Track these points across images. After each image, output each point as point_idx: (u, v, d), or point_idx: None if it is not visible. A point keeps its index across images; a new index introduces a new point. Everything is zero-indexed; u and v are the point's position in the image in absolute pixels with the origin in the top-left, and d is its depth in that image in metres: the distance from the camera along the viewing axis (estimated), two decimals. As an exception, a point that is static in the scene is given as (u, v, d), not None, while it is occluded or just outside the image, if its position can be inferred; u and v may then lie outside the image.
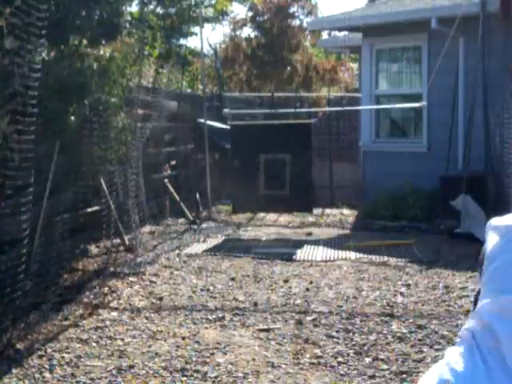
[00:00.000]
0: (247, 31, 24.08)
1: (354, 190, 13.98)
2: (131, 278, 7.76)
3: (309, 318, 6.31)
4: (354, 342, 5.66)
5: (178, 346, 5.57)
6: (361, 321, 6.23)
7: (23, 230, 6.00)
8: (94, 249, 8.90)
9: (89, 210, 9.02)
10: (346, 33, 15.76)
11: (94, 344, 5.63)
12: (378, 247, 9.58)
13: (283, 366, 5.17)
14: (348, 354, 5.39)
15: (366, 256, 9.09)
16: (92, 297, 6.95)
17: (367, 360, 5.27)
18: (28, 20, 5.83)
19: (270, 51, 22.17)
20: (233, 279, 7.84)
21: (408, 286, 7.52)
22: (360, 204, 12.67)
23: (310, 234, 10.93)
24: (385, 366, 5.13)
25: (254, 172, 11.37)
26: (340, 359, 5.29)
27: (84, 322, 6.19)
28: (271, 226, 11.84)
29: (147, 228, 10.40)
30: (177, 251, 9.38)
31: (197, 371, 5.03)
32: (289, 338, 5.81)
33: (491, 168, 10.76)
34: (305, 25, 22.70)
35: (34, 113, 6.02)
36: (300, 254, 9.34)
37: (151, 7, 19.92)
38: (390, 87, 13.14)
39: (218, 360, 5.26)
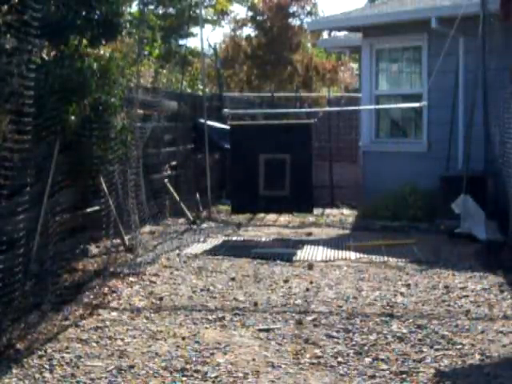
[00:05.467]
0: (247, 31, 24.11)
1: (354, 190, 13.98)
2: (131, 278, 7.76)
3: (309, 318, 6.31)
4: (353, 342, 5.66)
5: (177, 346, 5.57)
6: (361, 321, 6.23)
7: (21, 229, 6.00)
8: (94, 249, 8.90)
9: (89, 209, 9.03)
10: (345, 33, 15.78)
11: (94, 344, 5.63)
12: (378, 247, 9.57)
13: (283, 365, 5.17)
14: (348, 354, 5.39)
15: (365, 256, 9.09)
16: (92, 297, 6.95)
17: (367, 360, 5.27)
18: (26, 19, 5.82)
19: (270, 51, 22.19)
20: (233, 279, 7.84)
21: (408, 286, 7.52)
22: (360, 204, 12.67)
23: (310, 234, 10.92)
24: (385, 366, 5.12)
25: (254, 172, 11.35)
26: (340, 359, 5.29)
27: (84, 321, 6.19)
28: (271, 226, 11.83)
29: (147, 228, 10.40)
30: (177, 251, 9.38)
31: (197, 371, 5.03)
32: (289, 338, 5.81)
33: (491, 168, 10.76)
34: (305, 25, 22.72)
35: (32, 112, 6.02)
36: (300, 254, 9.33)
37: (151, 7, 19.97)
38: (390, 87, 13.14)
39: (218, 360, 5.25)
